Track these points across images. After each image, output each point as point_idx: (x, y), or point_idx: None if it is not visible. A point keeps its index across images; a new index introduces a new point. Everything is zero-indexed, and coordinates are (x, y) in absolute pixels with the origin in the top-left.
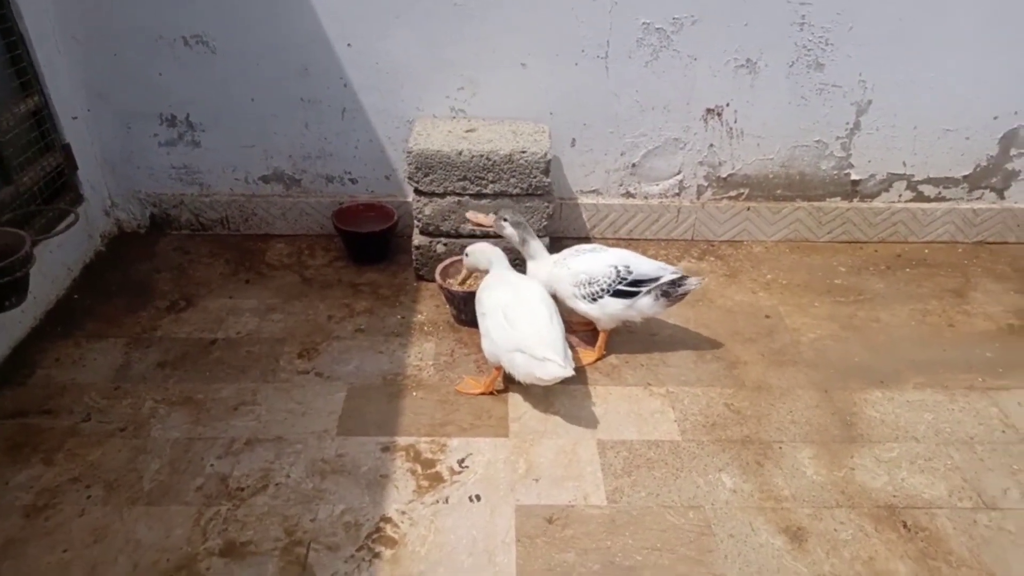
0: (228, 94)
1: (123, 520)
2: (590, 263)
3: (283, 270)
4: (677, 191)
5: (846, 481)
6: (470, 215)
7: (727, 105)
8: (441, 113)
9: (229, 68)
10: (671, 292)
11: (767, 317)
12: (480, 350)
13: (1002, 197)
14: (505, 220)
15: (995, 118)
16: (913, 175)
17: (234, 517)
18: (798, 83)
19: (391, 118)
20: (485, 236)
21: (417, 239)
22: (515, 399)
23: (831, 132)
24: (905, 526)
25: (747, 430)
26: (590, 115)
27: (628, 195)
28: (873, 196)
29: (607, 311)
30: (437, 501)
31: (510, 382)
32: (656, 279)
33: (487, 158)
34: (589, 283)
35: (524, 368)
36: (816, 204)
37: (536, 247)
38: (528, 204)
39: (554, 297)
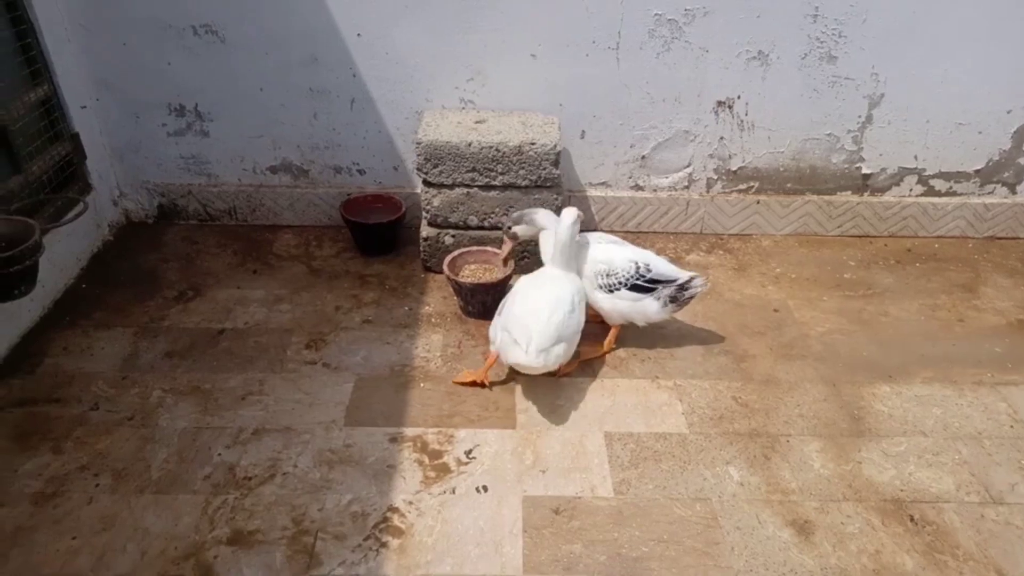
0: (237, 84)
1: (131, 508)
2: (611, 253)
3: (291, 261)
4: (687, 184)
5: (853, 475)
6: (503, 256)
7: (738, 98)
8: (450, 104)
9: (238, 58)
10: (678, 297)
11: (776, 311)
12: (487, 342)
13: (1014, 192)
14: (510, 227)
15: (1008, 112)
16: (924, 169)
17: (242, 506)
18: (810, 76)
19: (400, 109)
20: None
21: (425, 230)
22: (522, 391)
23: (843, 125)
24: (912, 520)
25: (755, 423)
26: (600, 107)
27: (637, 188)
28: (884, 190)
29: (618, 305)
30: (444, 492)
31: (516, 374)
32: (673, 280)
33: (496, 149)
34: (608, 274)
35: (501, 348)
36: (826, 198)
37: (542, 216)
38: (537, 196)
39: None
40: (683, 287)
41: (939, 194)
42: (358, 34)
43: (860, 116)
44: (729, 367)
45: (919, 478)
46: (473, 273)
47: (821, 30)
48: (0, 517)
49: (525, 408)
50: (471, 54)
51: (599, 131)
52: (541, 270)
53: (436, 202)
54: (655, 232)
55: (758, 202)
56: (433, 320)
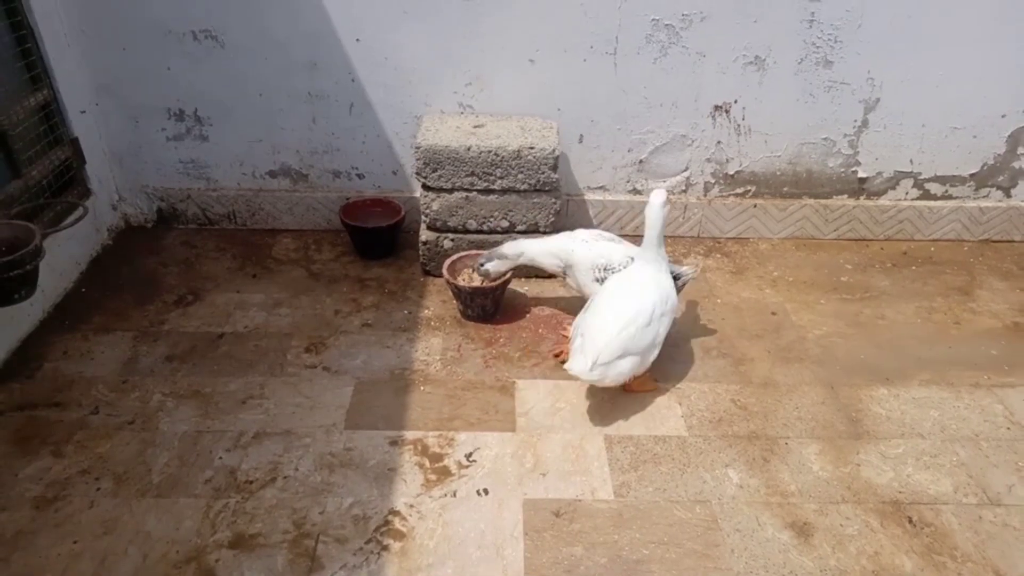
0: (236, 89)
1: (132, 512)
2: (610, 249)
3: (290, 265)
4: (684, 188)
5: (852, 477)
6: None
7: (735, 102)
8: (449, 109)
9: (237, 63)
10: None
11: (773, 314)
12: (487, 345)
13: (1009, 195)
14: (483, 265)
15: (1003, 116)
16: (920, 173)
17: (243, 509)
18: (807, 80)
19: (399, 113)
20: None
21: (424, 234)
22: (522, 394)
23: (839, 129)
24: (911, 522)
25: (753, 426)
26: (598, 112)
27: (635, 192)
28: (880, 194)
29: None
30: (445, 495)
31: (515, 376)
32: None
33: (495, 154)
34: (605, 268)
35: (571, 351)
36: (823, 201)
37: (513, 244)
38: (535, 200)
39: (562, 274)
40: (675, 278)
41: (935, 198)
42: (357, 39)
43: (856, 120)
44: (727, 370)
45: (917, 480)
46: (472, 277)
47: (817, 35)
48: (1, 521)
49: (525, 411)
50: (470, 59)
51: (597, 135)
52: (633, 267)
53: (435, 206)
54: None
55: (755, 206)
56: (432, 324)
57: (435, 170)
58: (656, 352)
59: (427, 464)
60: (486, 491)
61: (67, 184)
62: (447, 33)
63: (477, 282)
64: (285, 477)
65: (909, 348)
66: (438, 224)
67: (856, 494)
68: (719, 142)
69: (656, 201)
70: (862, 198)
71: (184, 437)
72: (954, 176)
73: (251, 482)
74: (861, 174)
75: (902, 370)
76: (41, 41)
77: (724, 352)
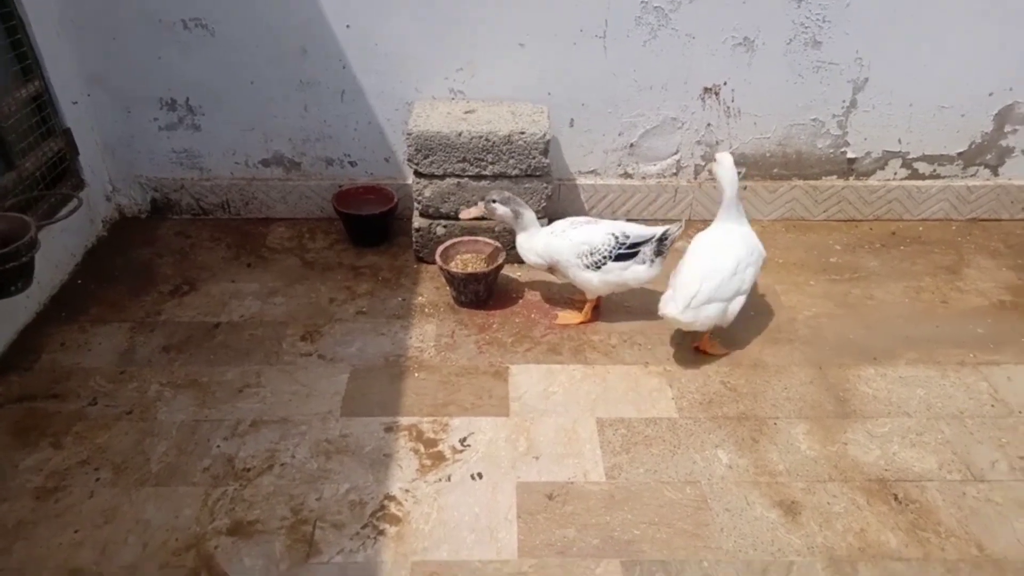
0: (228, 77)
1: (132, 501)
2: (589, 234)
3: (284, 253)
4: (675, 171)
5: (839, 456)
6: (463, 215)
7: (724, 84)
8: (440, 95)
9: (228, 51)
10: (661, 250)
11: (763, 295)
12: (480, 331)
13: (996, 174)
14: (494, 201)
15: (990, 95)
16: (908, 152)
17: (241, 497)
18: (795, 61)
19: (390, 100)
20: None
21: (417, 221)
22: (516, 379)
23: (827, 110)
24: (896, 499)
25: (743, 407)
26: (588, 95)
27: (626, 175)
28: (869, 174)
29: (608, 278)
30: (440, 479)
31: (508, 361)
32: (651, 237)
33: (486, 139)
34: (591, 253)
35: (662, 300)
36: (812, 183)
37: (529, 218)
38: (527, 185)
39: (551, 269)
40: (661, 240)
41: (923, 177)
42: (347, 25)
43: (844, 101)
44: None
45: (903, 458)
46: (465, 263)
47: (805, 15)
48: (2, 512)
49: (519, 396)
50: (460, 44)
51: (588, 119)
52: (717, 227)
53: (427, 192)
54: (645, 219)
55: (745, 188)
56: (426, 310)
57: (427, 156)
58: (742, 300)
59: (422, 449)
60: (480, 475)
61: (61, 175)
62: (437, 19)
63: (471, 268)
64: (282, 464)
65: (897, 327)
66: (431, 211)
67: (843, 472)
68: (709, 124)
69: (727, 162)
70: (851, 179)
71: (182, 426)
72: (942, 155)
73: (249, 470)
74: (850, 154)
75: (890, 349)
76: (32, 32)
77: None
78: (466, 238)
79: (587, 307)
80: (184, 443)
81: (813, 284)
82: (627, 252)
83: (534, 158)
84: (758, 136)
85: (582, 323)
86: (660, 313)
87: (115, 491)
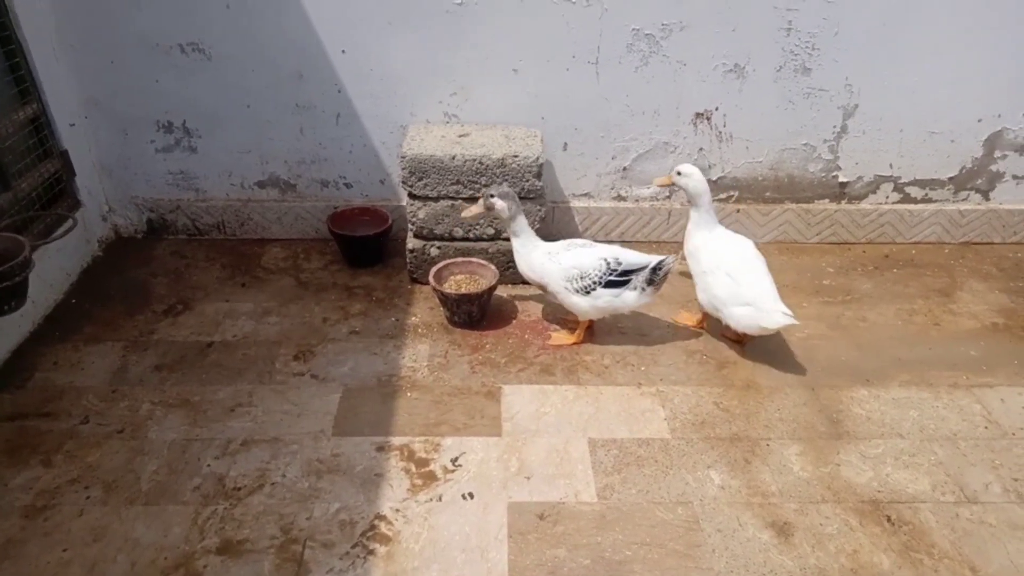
0: (224, 101)
1: (121, 520)
2: (580, 258)
3: (279, 274)
4: (668, 194)
5: (832, 477)
6: (464, 214)
7: (716, 109)
8: (434, 118)
9: (225, 75)
10: (654, 279)
11: None
12: (473, 351)
13: (987, 198)
14: (493, 196)
15: (979, 121)
16: (900, 177)
17: (231, 516)
18: (786, 87)
19: (385, 123)
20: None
21: (411, 242)
22: (508, 399)
23: (818, 135)
24: (889, 520)
25: (735, 428)
26: (581, 120)
27: (619, 198)
28: (861, 198)
29: (598, 304)
30: (431, 499)
31: (501, 381)
32: (645, 265)
33: (480, 162)
34: (581, 277)
35: (749, 320)
36: (805, 206)
37: (522, 223)
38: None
39: (543, 288)
40: (655, 270)
41: (915, 201)
42: (343, 50)
43: (835, 126)
44: (710, 373)
45: (896, 479)
46: (459, 284)
47: (795, 43)
48: None
49: (511, 416)
50: (454, 69)
51: (581, 143)
52: (715, 234)
53: (421, 214)
54: (638, 241)
55: (738, 211)
56: (420, 330)
57: (421, 179)
58: None
59: (413, 469)
60: (471, 495)
61: (57, 196)
62: (432, 44)
63: (465, 289)
64: (273, 484)
65: (889, 349)
66: (424, 232)
67: (836, 494)
68: (701, 149)
69: (696, 171)
70: (843, 202)
71: (173, 445)
72: (933, 180)
73: (239, 489)
74: (842, 179)
75: (882, 371)
76: (30, 55)
77: (707, 355)
78: (460, 259)
79: (580, 328)
80: (175, 462)
81: (806, 306)
82: (618, 279)
83: (527, 181)
84: (750, 160)
85: (575, 344)
86: (776, 326)
87: (105, 509)
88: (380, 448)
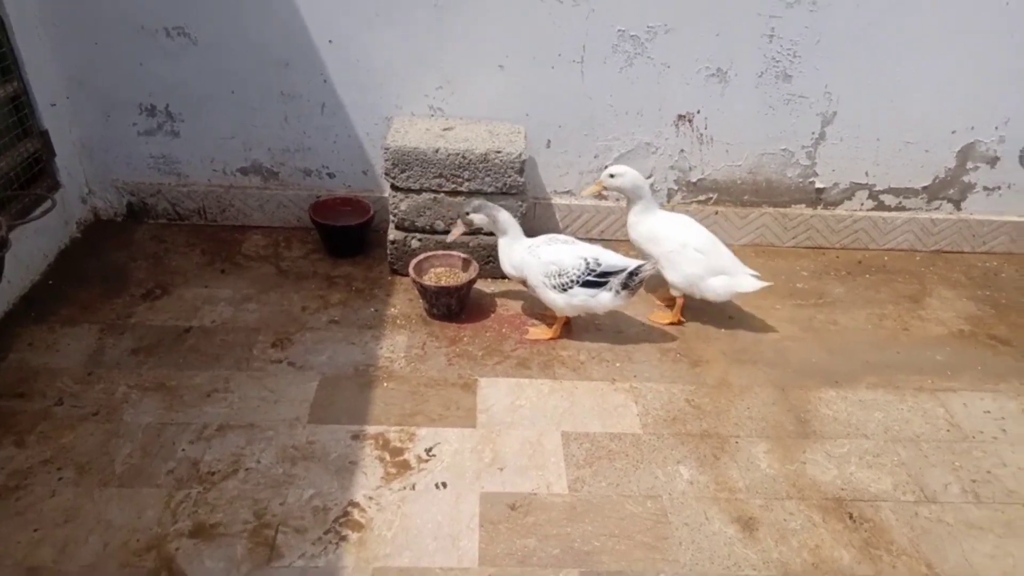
0: (208, 86)
1: (94, 501)
2: (560, 254)
3: (259, 261)
4: None
5: (797, 474)
6: (449, 239)
7: (698, 112)
8: (419, 111)
9: (210, 60)
10: (629, 284)
11: (730, 318)
12: (451, 344)
13: (959, 208)
14: (468, 214)
15: (953, 132)
16: (875, 185)
17: (204, 500)
18: (766, 93)
19: (370, 114)
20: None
21: (392, 234)
22: (484, 392)
23: (797, 141)
24: (851, 517)
25: (706, 425)
26: (565, 117)
27: (600, 196)
28: (836, 204)
29: (573, 302)
30: (404, 488)
31: (478, 374)
32: (623, 268)
33: (463, 157)
34: (559, 274)
35: (725, 288)
36: (782, 210)
37: (505, 220)
38: (502, 203)
39: (524, 283)
40: (632, 274)
41: (889, 209)
42: (329, 40)
43: (814, 133)
44: (684, 371)
45: (859, 478)
46: (438, 276)
47: (777, 50)
48: None
49: (486, 408)
50: (441, 63)
51: (564, 141)
52: (661, 215)
53: (403, 206)
54: (618, 240)
55: (716, 213)
56: (398, 321)
57: (404, 171)
58: None
59: (388, 458)
60: (444, 484)
61: (36, 176)
62: (418, 37)
63: (444, 281)
64: (247, 469)
65: (859, 353)
66: (406, 224)
67: (801, 491)
68: (682, 150)
69: (629, 169)
70: (819, 208)
71: (148, 429)
72: (907, 188)
73: (213, 473)
74: (819, 184)
75: (851, 373)
76: (12, 33)
77: (681, 354)
78: (440, 252)
79: (557, 324)
80: (149, 445)
81: (780, 308)
82: (596, 280)
83: (510, 176)
84: (730, 164)
85: (552, 339)
86: (752, 289)
87: (77, 491)
88: (355, 436)
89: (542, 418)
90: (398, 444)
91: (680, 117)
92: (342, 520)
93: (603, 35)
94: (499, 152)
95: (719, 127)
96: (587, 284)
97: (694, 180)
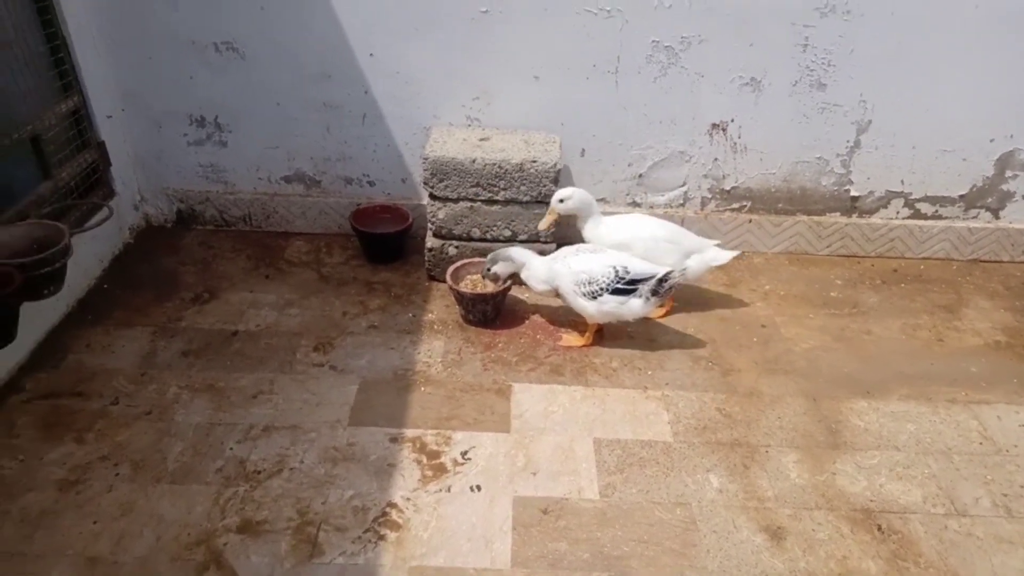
0: (255, 98)
1: (148, 497)
2: (590, 263)
3: (301, 267)
4: (682, 202)
5: (827, 485)
6: (487, 291)
7: (731, 121)
8: (457, 121)
9: (257, 73)
10: (659, 290)
11: (763, 327)
12: (486, 349)
13: (997, 217)
14: (489, 270)
15: (991, 140)
16: (911, 193)
17: (251, 498)
18: (800, 102)
19: (409, 124)
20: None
21: (430, 241)
22: (518, 397)
23: (832, 149)
24: (880, 529)
25: (736, 434)
26: (599, 127)
27: (635, 204)
28: (871, 212)
29: (604, 308)
30: (440, 490)
31: (511, 380)
32: (652, 275)
33: (499, 166)
34: (589, 282)
35: (700, 265)
36: (816, 218)
37: (519, 254)
38: (537, 211)
39: (555, 294)
40: (662, 281)
41: (925, 217)
42: (371, 54)
43: (848, 141)
44: (715, 379)
45: (889, 490)
46: (475, 283)
47: (811, 59)
48: (27, 501)
49: (520, 414)
50: (477, 75)
51: (598, 150)
52: (613, 221)
53: (441, 215)
54: None
55: (750, 221)
56: (436, 327)
57: (442, 180)
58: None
59: (424, 460)
60: (479, 487)
61: (93, 185)
62: (455, 50)
63: (482, 288)
64: (291, 469)
65: (892, 363)
66: (443, 232)
67: (829, 501)
68: (716, 159)
69: (574, 189)
70: (854, 216)
71: (198, 428)
72: (944, 197)
73: (259, 472)
74: (853, 193)
75: (883, 384)
76: (73, 51)
77: (713, 362)
78: (477, 259)
79: (589, 331)
80: (199, 444)
81: (812, 317)
82: (625, 287)
83: (545, 186)
84: (764, 172)
85: (584, 346)
86: (726, 260)
87: (133, 486)
88: (394, 439)
89: (574, 424)
90: (434, 447)
91: (714, 126)
92: (381, 520)
93: (637, 46)
94: (535, 162)
95: (753, 135)
96: (617, 292)
97: (728, 188)
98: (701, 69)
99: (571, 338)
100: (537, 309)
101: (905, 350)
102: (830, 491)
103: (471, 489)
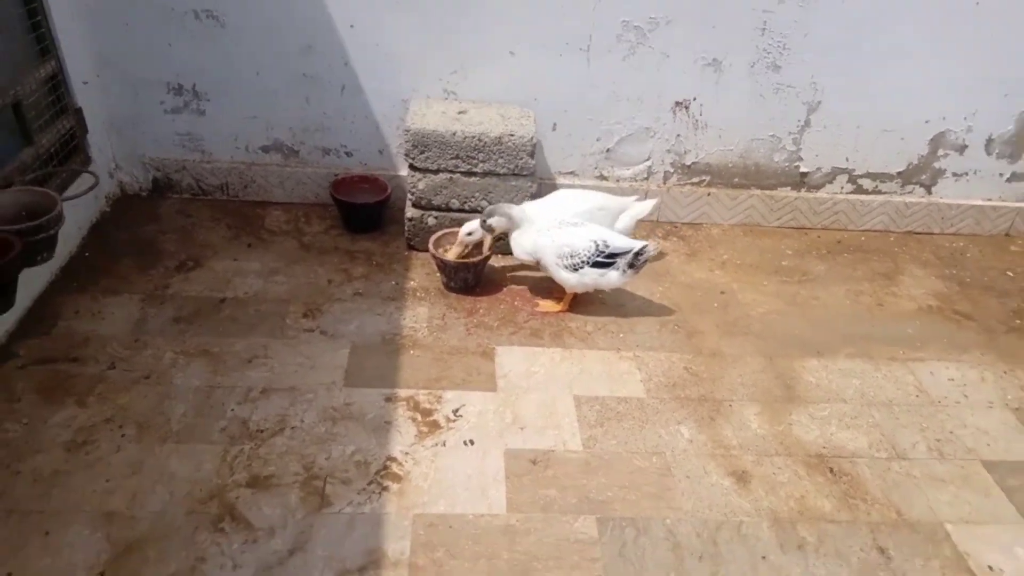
0: (234, 67)
1: (156, 456)
2: (573, 237)
3: (282, 236)
4: (646, 175)
5: (784, 434)
6: (485, 250)
7: (694, 99)
8: (434, 94)
9: (236, 42)
10: (635, 263)
11: (722, 293)
12: (469, 315)
13: (929, 192)
14: (486, 220)
15: (926, 122)
16: (854, 169)
17: (257, 455)
18: (757, 82)
19: (387, 97)
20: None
21: (410, 211)
22: (501, 359)
23: (784, 128)
24: (831, 471)
25: (703, 390)
26: (570, 102)
27: (602, 177)
28: (819, 187)
29: (584, 280)
30: (436, 444)
31: (495, 344)
32: (629, 250)
33: (479, 139)
34: (571, 255)
35: (631, 220)
36: (768, 192)
37: (519, 214)
38: (513, 183)
39: (536, 264)
40: (638, 254)
41: (866, 192)
42: (351, 25)
43: (800, 120)
44: (681, 341)
45: (839, 437)
46: (446, 250)
47: (768, 42)
48: (37, 462)
49: (504, 374)
50: (455, 49)
51: (569, 124)
52: (541, 205)
53: (421, 185)
54: None
55: (709, 194)
56: (418, 294)
57: (422, 152)
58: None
59: (419, 418)
60: (472, 442)
61: (71, 152)
62: (434, 24)
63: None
64: (292, 427)
65: (838, 325)
66: (423, 202)
67: (787, 448)
68: (678, 135)
69: (506, 207)
70: (803, 190)
71: (198, 391)
72: (883, 173)
73: (262, 431)
74: (803, 169)
75: (831, 344)
76: (50, 15)
77: (679, 325)
78: (457, 229)
79: (566, 299)
80: (201, 406)
81: (766, 284)
82: (605, 260)
83: (521, 159)
84: (722, 148)
85: (561, 312)
86: (650, 208)
87: (140, 446)
88: (388, 399)
89: (555, 383)
90: (427, 406)
91: (677, 104)
92: (382, 473)
93: (608, 25)
94: (512, 135)
95: (713, 114)
96: (596, 264)
97: (689, 163)
98: (667, 49)
99: (548, 304)
100: (514, 278)
101: (849, 314)
102: (787, 439)
103: (464, 443)
